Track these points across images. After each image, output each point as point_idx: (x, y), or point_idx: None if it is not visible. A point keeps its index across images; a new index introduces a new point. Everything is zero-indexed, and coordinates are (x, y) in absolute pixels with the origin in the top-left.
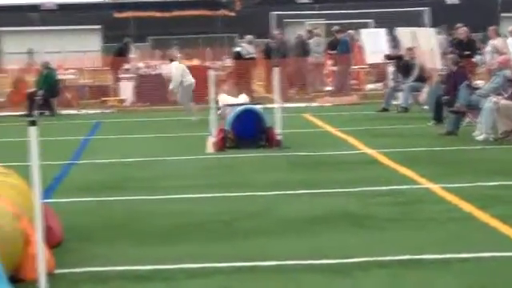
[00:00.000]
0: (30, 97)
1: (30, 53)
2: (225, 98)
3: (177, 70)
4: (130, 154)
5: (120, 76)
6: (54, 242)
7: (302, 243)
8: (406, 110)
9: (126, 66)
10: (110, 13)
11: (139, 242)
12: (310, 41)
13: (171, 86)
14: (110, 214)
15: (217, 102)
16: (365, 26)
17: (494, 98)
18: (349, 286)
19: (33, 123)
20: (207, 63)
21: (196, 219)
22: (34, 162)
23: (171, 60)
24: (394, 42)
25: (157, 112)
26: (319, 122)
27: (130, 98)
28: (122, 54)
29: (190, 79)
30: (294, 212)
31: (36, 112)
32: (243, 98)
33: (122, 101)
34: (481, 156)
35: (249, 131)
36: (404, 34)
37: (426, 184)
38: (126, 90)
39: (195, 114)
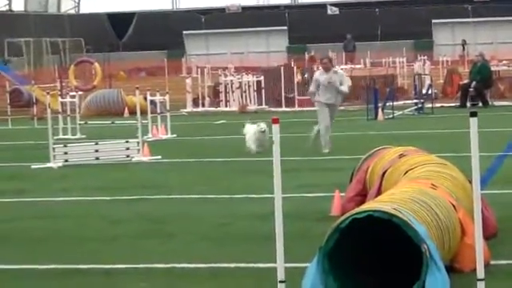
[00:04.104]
0: (463, 88)
1: (463, 44)
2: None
3: None
4: None
5: None
6: (489, 233)
7: None
8: None
9: None
10: None
11: None
12: None
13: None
14: None
15: None
16: None
17: None
18: None
19: (473, 114)
20: None
21: None
22: (474, 153)
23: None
24: None
25: None
26: None
27: None
28: None
29: None
30: None
31: (469, 103)
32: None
33: None
34: None
35: None
36: None
37: None
38: None
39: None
